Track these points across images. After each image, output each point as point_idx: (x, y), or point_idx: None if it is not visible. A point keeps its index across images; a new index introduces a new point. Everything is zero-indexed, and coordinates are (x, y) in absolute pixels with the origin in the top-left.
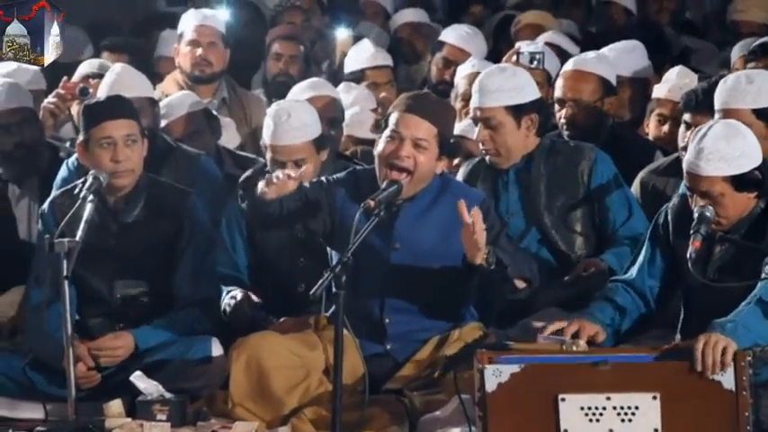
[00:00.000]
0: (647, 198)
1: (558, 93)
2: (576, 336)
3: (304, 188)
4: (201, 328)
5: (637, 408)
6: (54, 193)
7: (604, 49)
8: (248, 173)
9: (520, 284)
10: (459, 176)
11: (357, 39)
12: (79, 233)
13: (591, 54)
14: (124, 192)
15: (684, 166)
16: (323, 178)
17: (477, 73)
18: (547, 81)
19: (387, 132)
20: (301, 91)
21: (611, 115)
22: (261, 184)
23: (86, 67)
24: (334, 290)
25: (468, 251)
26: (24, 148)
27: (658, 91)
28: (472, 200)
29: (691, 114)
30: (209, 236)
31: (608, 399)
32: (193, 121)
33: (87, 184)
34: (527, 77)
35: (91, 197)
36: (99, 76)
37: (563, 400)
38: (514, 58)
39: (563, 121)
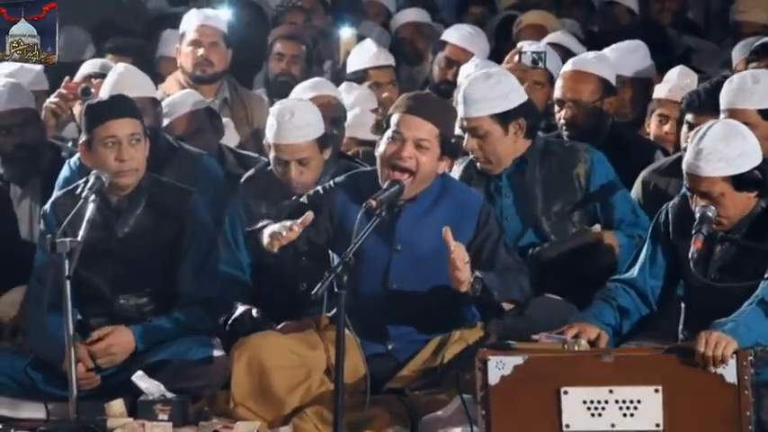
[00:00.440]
0: (648, 198)
1: (557, 93)
2: (576, 338)
3: (306, 232)
4: (204, 327)
5: (639, 401)
6: (56, 193)
7: (606, 50)
8: (250, 172)
9: (507, 306)
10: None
11: (361, 38)
12: (81, 233)
13: (590, 54)
14: (127, 191)
15: (684, 166)
16: (319, 188)
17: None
18: (549, 81)
19: (388, 133)
20: (303, 91)
21: (611, 115)
22: (265, 238)
23: (88, 67)
24: (335, 290)
25: (453, 281)
26: (26, 149)
27: (659, 91)
28: (472, 202)
29: (693, 115)
30: (211, 235)
31: (610, 392)
32: (196, 119)
33: (89, 184)
34: (512, 82)
35: (93, 197)
36: (101, 75)
37: (565, 393)
38: (516, 57)
39: (562, 121)
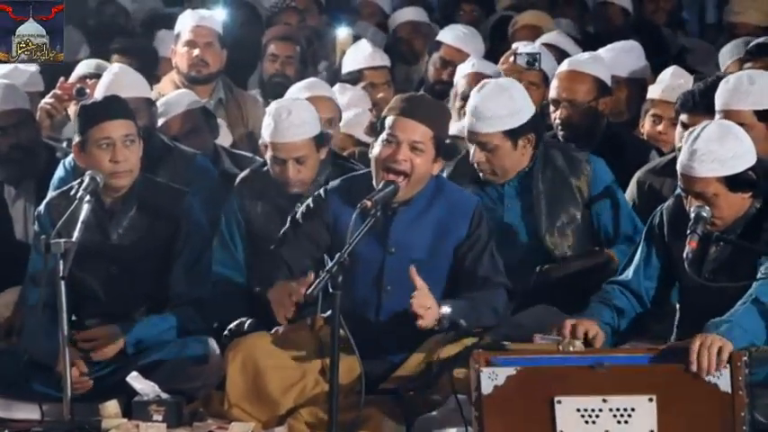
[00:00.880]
0: (643, 198)
1: (552, 93)
2: (574, 333)
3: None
4: (195, 327)
5: (633, 410)
6: (50, 193)
7: (601, 50)
8: (245, 172)
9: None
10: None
11: (356, 38)
12: (76, 234)
13: (585, 55)
14: (121, 193)
15: (678, 167)
16: (310, 202)
17: (477, 73)
18: (544, 82)
19: (383, 136)
20: (298, 91)
21: (606, 116)
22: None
23: (83, 67)
24: (330, 290)
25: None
26: (21, 150)
27: (653, 91)
28: (466, 202)
29: (687, 115)
30: (204, 236)
31: (604, 401)
32: (191, 119)
33: (84, 185)
34: (523, 97)
35: (87, 197)
36: (96, 76)
37: (559, 402)
38: (511, 59)
39: (558, 121)
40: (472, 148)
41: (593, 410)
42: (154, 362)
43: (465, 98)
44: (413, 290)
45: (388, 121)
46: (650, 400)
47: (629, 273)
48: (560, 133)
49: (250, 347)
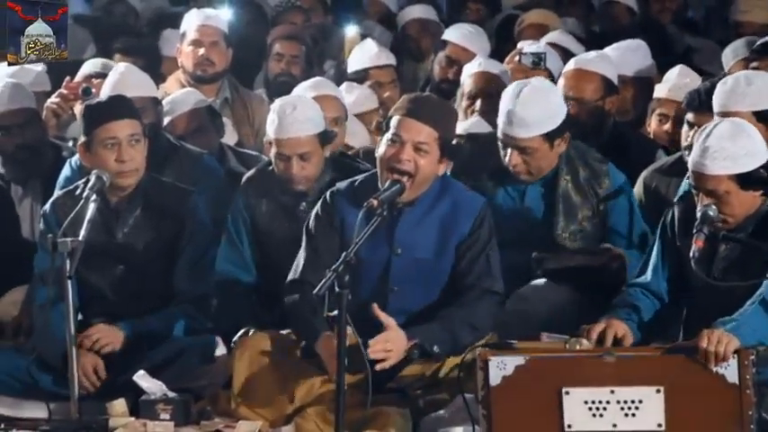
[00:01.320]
0: (649, 197)
1: None
2: (603, 337)
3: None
4: (198, 324)
5: (641, 401)
6: (56, 192)
7: (607, 49)
8: (251, 172)
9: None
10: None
11: (364, 37)
12: (82, 232)
13: (592, 53)
14: (126, 192)
15: (690, 165)
16: (318, 209)
17: (484, 72)
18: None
19: (388, 136)
20: (304, 91)
21: (613, 115)
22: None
23: (89, 66)
24: (336, 289)
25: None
26: (27, 149)
27: (659, 90)
28: (472, 202)
29: (694, 114)
30: (208, 234)
31: (612, 392)
32: (197, 117)
33: (90, 184)
34: (558, 98)
35: (94, 196)
36: (102, 75)
37: (567, 393)
38: (517, 58)
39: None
40: (508, 151)
41: (600, 402)
42: (161, 360)
43: (471, 97)
44: (419, 290)
45: (394, 121)
46: (658, 391)
47: (648, 274)
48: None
49: (257, 346)
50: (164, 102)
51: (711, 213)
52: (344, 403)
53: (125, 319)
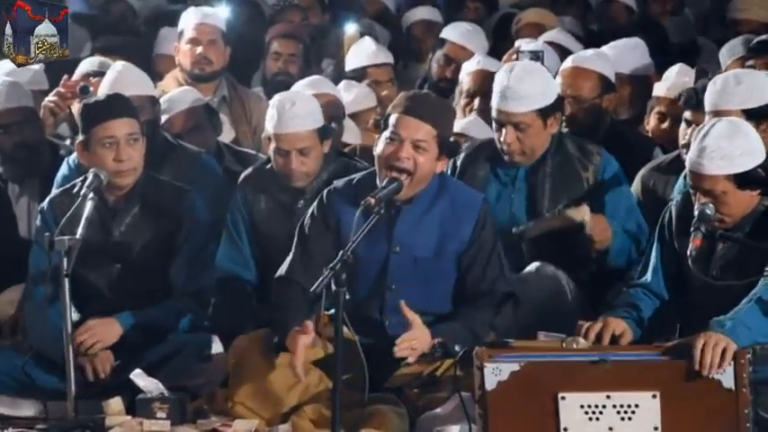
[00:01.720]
0: (647, 195)
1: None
2: (600, 336)
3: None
4: (197, 320)
5: (637, 406)
6: (54, 191)
7: (605, 47)
8: (249, 170)
9: None
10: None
11: (362, 35)
12: (79, 231)
13: (590, 51)
14: (124, 191)
15: (687, 164)
16: (314, 209)
17: (482, 70)
18: None
19: (386, 134)
20: (302, 89)
21: (610, 113)
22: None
23: (87, 65)
24: (333, 288)
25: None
26: (25, 148)
27: (658, 89)
28: (472, 202)
29: (691, 112)
30: (205, 232)
31: (608, 397)
32: (194, 116)
33: (87, 182)
34: (549, 76)
35: (91, 195)
36: (100, 74)
37: (563, 398)
38: (514, 57)
39: (563, 118)
40: (503, 130)
41: (596, 406)
42: (158, 359)
43: (470, 95)
44: (417, 288)
45: (392, 119)
46: (654, 396)
47: (648, 276)
48: (564, 130)
49: (254, 344)
50: (161, 100)
51: (708, 212)
52: (341, 402)
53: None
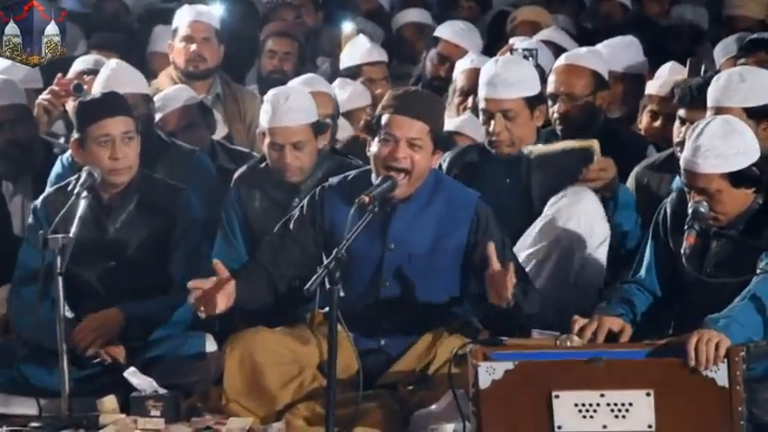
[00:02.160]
0: (641, 193)
1: (550, 88)
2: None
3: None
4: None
5: (630, 404)
6: (48, 189)
7: (599, 45)
8: (242, 168)
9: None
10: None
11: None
12: (73, 229)
13: (583, 49)
14: (119, 189)
15: (682, 163)
16: (304, 204)
17: (476, 68)
18: (541, 77)
19: (380, 135)
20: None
21: (604, 110)
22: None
23: (81, 63)
24: (327, 286)
25: (494, 297)
26: (18, 146)
27: (650, 87)
28: (466, 201)
29: (685, 110)
30: (201, 229)
31: (602, 395)
32: (188, 114)
33: (81, 180)
34: (534, 69)
35: (85, 193)
36: (94, 72)
37: (557, 396)
38: (508, 54)
39: (556, 115)
40: (492, 121)
41: (590, 405)
42: (152, 357)
43: (463, 94)
44: (412, 285)
45: (384, 119)
46: (648, 394)
47: (642, 272)
48: (558, 127)
49: (248, 343)
50: (155, 98)
51: (703, 210)
52: (335, 399)
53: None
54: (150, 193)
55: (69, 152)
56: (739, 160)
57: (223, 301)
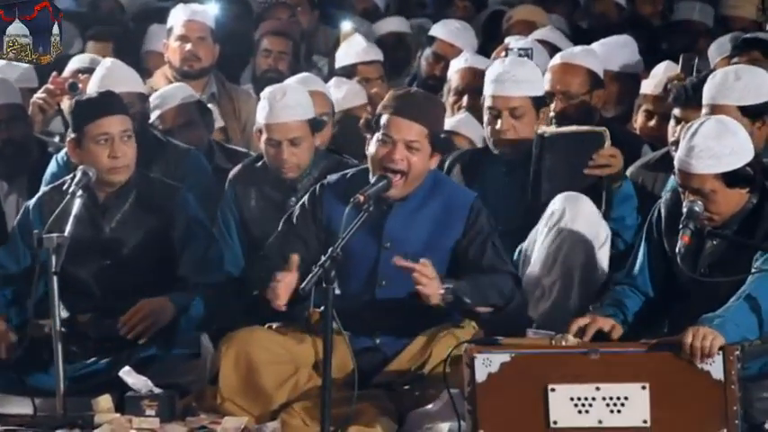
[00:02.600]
0: (636, 193)
1: (546, 86)
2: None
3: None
4: (221, 305)
5: (626, 398)
6: (42, 189)
7: (595, 44)
8: (238, 167)
9: (483, 310)
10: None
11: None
12: (68, 228)
13: (578, 48)
14: (116, 188)
15: (676, 163)
16: (305, 200)
17: (471, 68)
18: None
19: (378, 135)
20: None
21: (599, 109)
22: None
23: (76, 62)
24: (323, 284)
25: (420, 296)
26: (13, 145)
27: (645, 86)
28: (462, 200)
29: (680, 109)
30: (205, 227)
31: (597, 389)
32: (185, 112)
33: (76, 180)
34: (539, 71)
35: (80, 192)
36: (89, 71)
37: (552, 390)
38: (503, 54)
39: (552, 114)
40: (498, 120)
41: (586, 399)
42: (147, 356)
43: (458, 93)
44: (408, 285)
45: (383, 120)
46: (643, 388)
47: (635, 272)
48: (555, 126)
49: (243, 342)
50: (153, 96)
51: (697, 209)
52: (330, 399)
53: (112, 315)
54: (146, 191)
55: (64, 151)
56: (733, 160)
57: (287, 294)
